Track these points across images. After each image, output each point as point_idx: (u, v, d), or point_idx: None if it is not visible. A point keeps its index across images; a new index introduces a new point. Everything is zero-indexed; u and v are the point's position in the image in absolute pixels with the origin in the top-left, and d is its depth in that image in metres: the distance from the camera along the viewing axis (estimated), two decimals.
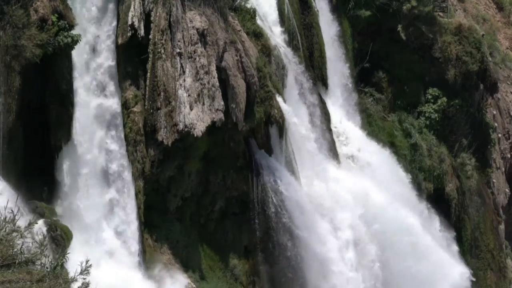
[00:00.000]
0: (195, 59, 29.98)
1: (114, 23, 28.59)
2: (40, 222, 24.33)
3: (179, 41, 29.59)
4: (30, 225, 11.72)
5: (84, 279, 11.21)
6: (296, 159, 34.53)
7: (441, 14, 46.62)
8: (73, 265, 12.17)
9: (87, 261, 11.30)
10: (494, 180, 48.25)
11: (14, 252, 11.60)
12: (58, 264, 11.79)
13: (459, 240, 44.15)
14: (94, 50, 28.17)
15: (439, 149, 44.30)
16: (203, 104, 29.90)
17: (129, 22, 28.51)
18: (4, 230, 11.43)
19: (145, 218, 29.33)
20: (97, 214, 28.05)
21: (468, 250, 44.83)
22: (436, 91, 44.55)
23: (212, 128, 30.18)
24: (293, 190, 33.59)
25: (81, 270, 10.87)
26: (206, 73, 30.08)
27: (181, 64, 29.63)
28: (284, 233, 33.11)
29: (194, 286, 30.49)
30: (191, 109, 29.54)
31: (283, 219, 33.03)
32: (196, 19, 30.27)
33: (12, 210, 12.45)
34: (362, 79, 43.33)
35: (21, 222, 12.69)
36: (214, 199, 32.51)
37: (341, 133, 39.65)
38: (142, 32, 28.87)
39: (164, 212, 30.90)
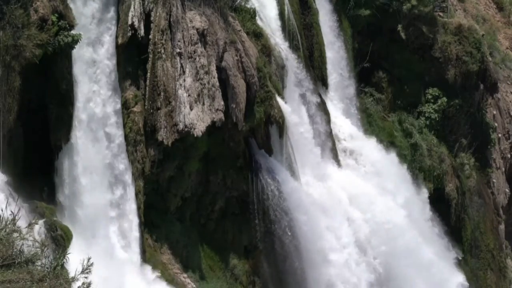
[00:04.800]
0: (195, 59, 29.97)
1: (114, 23, 28.58)
2: (40, 222, 24.32)
3: (179, 41, 29.58)
4: (30, 225, 11.69)
5: (85, 277, 11.18)
6: (296, 159, 34.53)
7: (441, 14, 46.60)
8: (72, 265, 12.16)
9: (88, 259, 11.26)
10: (494, 180, 48.22)
11: (14, 252, 11.58)
12: (58, 264, 11.77)
13: (459, 240, 44.15)
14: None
15: (439, 149, 44.29)
16: (203, 104, 29.90)
17: (129, 22, 28.49)
18: (4, 230, 11.42)
19: (145, 218, 29.33)
20: (97, 214, 28.02)
21: (468, 250, 44.81)
22: (436, 91, 44.55)
23: (212, 128, 30.18)
24: (293, 190, 33.58)
25: (83, 269, 10.85)
26: (206, 73, 30.08)
27: (181, 64, 29.62)
28: (284, 233, 33.11)
29: (194, 286, 30.48)
30: (191, 109, 29.53)
31: (283, 219, 33.02)
32: (196, 19, 30.26)
33: (12, 212, 12.43)
34: (362, 79, 43.31)
35: (22, 222, 12.67)
36: (214, 199, 32.51)
37: (341, 133, 39.63)
38: (142, 32, 28.86)
39: (164, 212, 30.90)
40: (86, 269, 10.91)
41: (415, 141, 43.38)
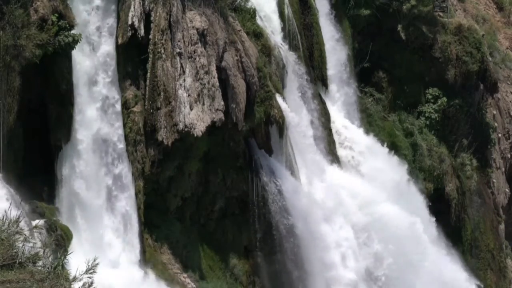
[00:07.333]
0: (195, 59, 29.96)
1: (115, 23, 28.56)
2: (40, 222, 24.32)
3: (179, 41, 29.58)
4: (35, 228, 11.67)
5: (89, 277, 11.14)
6: (296, 159, 34.52)
7: (441, 14, 46.59)
8: (72, 265, 12.14)
9: (94, 260, 11.22)
10: (494, 180, 48.23)
11: (15, 253, 11.57)
12: (59, 264, 11.76)
13: (459, 240, 44.15)
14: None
15: (439, 149, 44.29)
16: (203, 104, 29.89)
17: (129, 22, 28.47)
18: (5, 231, 11.40)
19: (145, 218, 29.31)
20: (97, 214, 28.00)
21: (468, 250, 44.82)
22: (436, 91, 44.56)
23: (212, 128, 30.17)
24: (293, 190, 33.57)
25: (87, 268, 10.81)
26: (206, 73, 30.06)
27: (181, 64, 29.61)
28: (284, 233, 33.10)
29: (194, 286, 30.48)
30: (191, 109, 29.52)
31: (283, 219, 33.00)
32: (196, 19, 30.25)
33: (12, 208, 12.41)
34: (362, 79, 43.30)
35: (22, 223, 12.64)
36: (214, 199, 32.50)
37: (341, 133, 39.62)
38: (142, 32, 28.84)
39: (164, 212, 30.88)
40: (91, 269, 10.88)
41: (415, 141, 43.38)
